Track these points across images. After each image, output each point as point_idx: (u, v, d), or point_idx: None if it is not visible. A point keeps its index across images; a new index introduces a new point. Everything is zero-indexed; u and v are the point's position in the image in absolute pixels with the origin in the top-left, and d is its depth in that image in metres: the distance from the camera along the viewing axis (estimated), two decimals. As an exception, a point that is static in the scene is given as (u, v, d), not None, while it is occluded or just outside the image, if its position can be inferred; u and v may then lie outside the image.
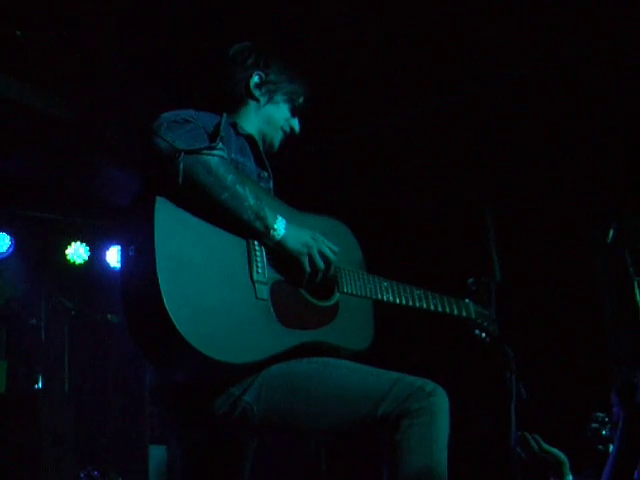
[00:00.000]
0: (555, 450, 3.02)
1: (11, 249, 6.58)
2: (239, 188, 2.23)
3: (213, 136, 2.27)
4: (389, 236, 5.70)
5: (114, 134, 5.85)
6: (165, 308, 2.02)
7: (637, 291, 3.69)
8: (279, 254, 2.33)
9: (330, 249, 2.42)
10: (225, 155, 2.26)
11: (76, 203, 6.88)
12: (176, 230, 2.15)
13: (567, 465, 2.95)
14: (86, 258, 6.98)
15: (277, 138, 2.71)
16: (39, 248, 6.95)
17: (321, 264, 2.38)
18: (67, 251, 6.93)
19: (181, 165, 2.15)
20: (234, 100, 2.64)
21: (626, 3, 4.46)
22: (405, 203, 5.80)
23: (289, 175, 2.87)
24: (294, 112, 2.71)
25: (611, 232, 3.63)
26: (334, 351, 2.45)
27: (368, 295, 2.57)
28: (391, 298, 2.62)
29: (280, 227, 2.31)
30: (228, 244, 2.25)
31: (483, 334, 2.96)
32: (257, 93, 2.63)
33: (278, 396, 2.26)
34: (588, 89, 4.94)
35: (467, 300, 2.92)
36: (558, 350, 5.02)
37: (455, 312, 2.83)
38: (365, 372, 2.35)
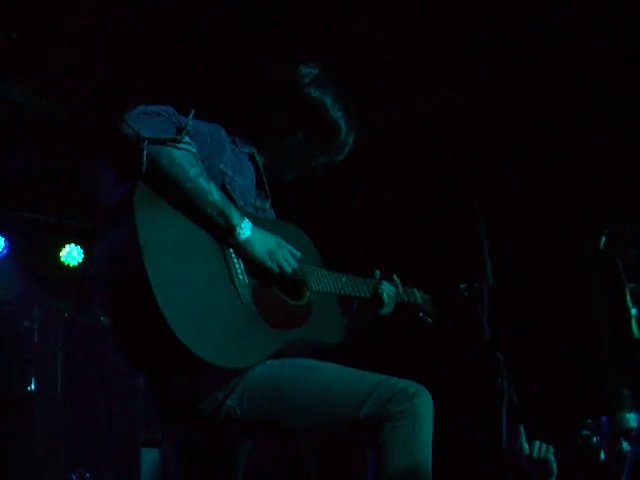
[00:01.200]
0: (551, 457, 3.04)
1: (5, 251, 6.57)
2: (203, 182, 2.25)
3: (179, 130, 2.27)
4: (381, 241, 5.71)
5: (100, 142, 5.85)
6: (165, 318, 2.02)
7: (628, 297, 3.70)
8: (243, 255, 2.33)
9: (292, 253, 2.45)
10: (192, 150, 2.27)
11: (70, 205, 6.87)
12: (159, 237, 2.15)
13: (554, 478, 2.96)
14: (80, 260, 6.97)
15: (289, 174, 2.72)
16: (33, 250, 6.94)
17: (287, 267, 2.41)
18: (61, 253, 6.93)
19: (144, 152, 2.17)
20: (253, 121, 2.67)
21: (627, 3, 4.47)
22: (397, 207, 5.80)
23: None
24: (318, 155, 2.68)
25: (603, 238, 3.64)
26: (317, 345, 2.51)
27: (333, 291, 2.66)
28: (351, 291, 2.74)
29: (246, 228, 2.32)
30: (206, 249, 2.27)
31: (426, 317, 3.10)
32: (278, 121, 2.62)
33: (260, 399, 2.27)
34: (579, 95, 4.96)
35: (415, 289, 3.09)
36: (550, 355, 5.03)
37: (405, 299, 2.98)
38: (348, 374, 2.35)
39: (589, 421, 3.93)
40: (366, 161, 5.73)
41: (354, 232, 5.91)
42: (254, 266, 2.35)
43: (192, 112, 2.36)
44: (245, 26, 4.83)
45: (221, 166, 2.43)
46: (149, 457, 6.64)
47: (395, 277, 2.95)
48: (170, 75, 5.05)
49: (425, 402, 2.32)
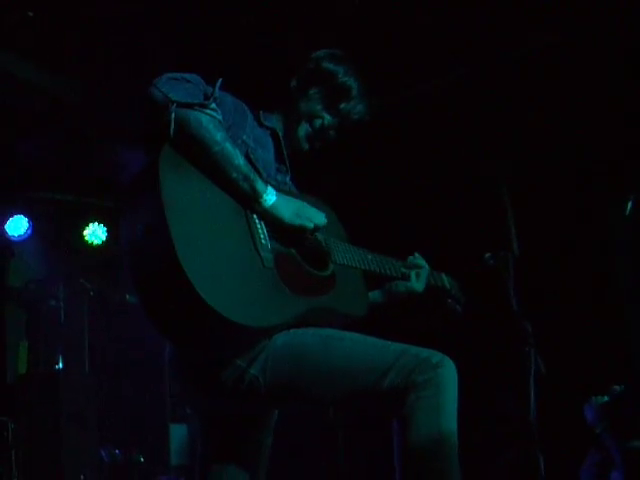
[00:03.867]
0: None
1: (29, 231, 6.62)
2: (229, 146, 2.28)
3: (207, 97, 2.31)
4: (405, 212, 5.69)
5: (130, 115, 5.85)
6: (192, 285, 2.04)
7: (655, 263, 3.67)
8: (270, 221, 2.36)
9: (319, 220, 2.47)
10: (218, 117, 2.31)
11: (92, 184, 6.90)
12: (184, 202, 2.18)
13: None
14: (104, 239, 7.02)
15: (299, 133, 2.70)
16: (57, 230, 6.99)
17: (316, 221, 2.43)
18: (85, 232, 6.97)
19: (172, 115, 2.22)
20: (277, 99, 2.70)
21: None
22: (421, 178, 5.78)
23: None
24: (330, 114, 2.70)
25: (629, 204, 3.61)
26: (341, 317, 2.51)
27: (358, 266, 2.67)
28: (377, 269, 2.75)
29: (271, 194, 2.35)
30: (230, 213, 2.30)
31: (454, 303, 3.10)
32: (294, 91, 2.68)
33: (283, 368, 2.28)
34: (603, 64, 4.90)
35: (443, 274, 3.07)
36: (577, 324, 5.01)
37: (432, 282, 2.95)
38: (370, 344, 2.34)
39: (616, 388, 3.93)
40: (388, 133, 5.72)
41: (378, 205, 5.89)
42: (282, 230, 2.37)
43: (219, 81, 2.39)
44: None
45: (244, 137, 2.46)
46: (177, 433, 6.71)
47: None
48: (189, 52, 5.05)
49: (449, 372, 2.30)
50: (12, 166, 6.35)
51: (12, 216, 6.59)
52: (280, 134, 2.65)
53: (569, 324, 4.99)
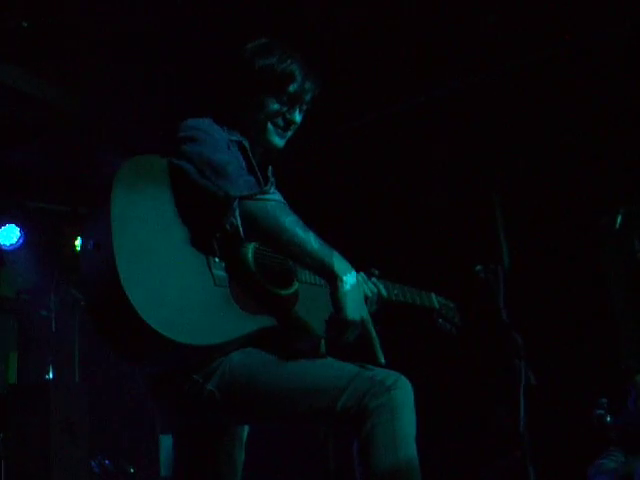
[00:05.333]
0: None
1: (21, 241, 6.61)
2: (299, 231, 2.25)
3: (263, 180, 2.33)
4: (396, 225, 5.70)
5: (124, 125, 5.86)
6: (125, 294, 2.03)
7: (645, 277, 3.68)
8: (334, 304, 2.29)
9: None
10: (280, 199, 2.29)
11: (85, 194, 6.90)
12: (133, 220, 2.17)
13: None
14: (95, 249, 6.99)
15: (270, 137, 2.59)
16: (48, 239, 6.98)
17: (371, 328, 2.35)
18: (76, 242, 6.96)
19: (237, 212, 2.22)
20: (227, 107, 2.62)
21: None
22: (412, 191, 5.80)
23: (292, 169, 2.86)
24: (286, 105, 2.58)
25: (619, 218, 3.62)
26: (300, 336, 2.46)
27: (323, 284, 2.51)
28: None
29: (349, 280, 2.29)
30: (183, 233, 2.26)
31: (447, 324, 3.03)
32: (241, 100, 2.58)
33: (238, 386, 2.25)
34: (595, 76, 4.94)
35: (431, 293, 2.99)
36: (567, 337, 5.02)
37: (418, 302, 2.89)
38: (326, 365, 2.32)
39: (604, 400, 3.93)
40: (380, 146, 5.74)
41: (369, 216, 5.90)
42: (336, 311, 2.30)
43: (270, 167, 2.45)
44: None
45: None
46: (167, 444, 6.68)
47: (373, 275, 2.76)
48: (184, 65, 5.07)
49: (403, 393, 2.27)
50: (5, 175, 6.34)
51: (4, 225, 6.58)
52: (247, 145, 2.55)
53: (559, 336, 5.01)
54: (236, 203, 2.21)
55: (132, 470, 6.22)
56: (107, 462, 6.06)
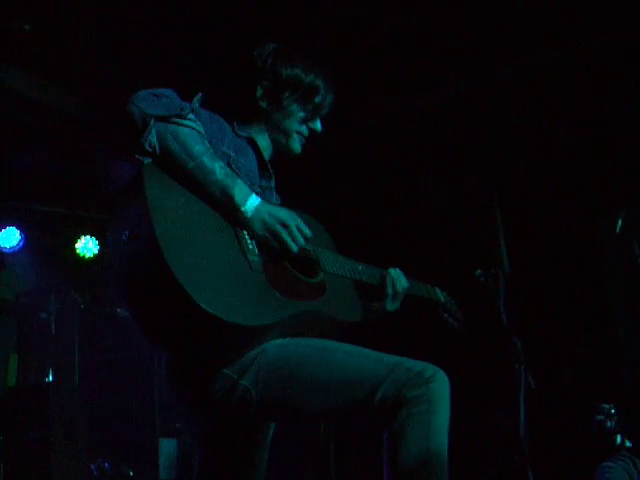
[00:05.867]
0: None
1: (21, 243, 6.61)
2: (206, 160, 2.28)
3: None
4: (396, 227, 5.70)
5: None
6: (176, 280, 2.03)
7: (645, 281, 3.68)
8: (252, 230, 2.35)
9: (302, 231, 2.44)
10: (197, 127, 2.32)
11: (85, 197, 6.90)
12: (169, 207, 2.19)
13: None
14: (96, 252, 7.01)
15: (292, 143, 2.71)
16: (49, 242, 6.98)
17: (293, 247, 2.40)
18: (77, 245, 6.97)
19: (153, 130, 2.23)
20: (244, 108, 2.68)
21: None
22: (412, 194, 5.80)
23: (292, 168, 2.88)
24: (310, 114, 2.70)
25: (619, 221, 3.63)
26: (333, 323, 2.50)
27: (348, 275, 2.66)
28: (368, 280, 2.74)
29: (250, 208, 2.33)
30: (216, 220, 2.30)
31: (451, 319, 3.10)
32: (264, 104, 2.65)
33: (275, 380, 2.26)
34: (593, 78, 4.94)
35: (436, 287, 3.07)
36: (566, 341, 5.02)
37: (425, 295, 2.97)
38: (364, 356, 2.32)
39: (604, 406, 3.93)
40: (382, 147, 5.74)
41: (369, 219, 5.90)
42: (267, 239, 2.37)
43: (199, 95, 2.42)
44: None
45: (224, 148, 2.47)
46: (167, 447, 6.67)
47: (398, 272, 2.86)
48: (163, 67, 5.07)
49: (441, 387, 2.27)
50: (5, 177, 6.34)
51: (4, 227, 6.58)
52: (258, 143, 2.64)
53: (559, 340, 5.00)
54: (152, 122, 2.23)
55: (131, 473, 6.22)
56: (106, 465, 6.06)
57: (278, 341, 2.31)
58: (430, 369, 2.28)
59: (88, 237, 6.99)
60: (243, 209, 2.32)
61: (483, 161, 5.25)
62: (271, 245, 2.38)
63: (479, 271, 3.14)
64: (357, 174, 5.84)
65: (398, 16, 4.91)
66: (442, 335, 3.22)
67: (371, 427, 2.43)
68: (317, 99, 2.68)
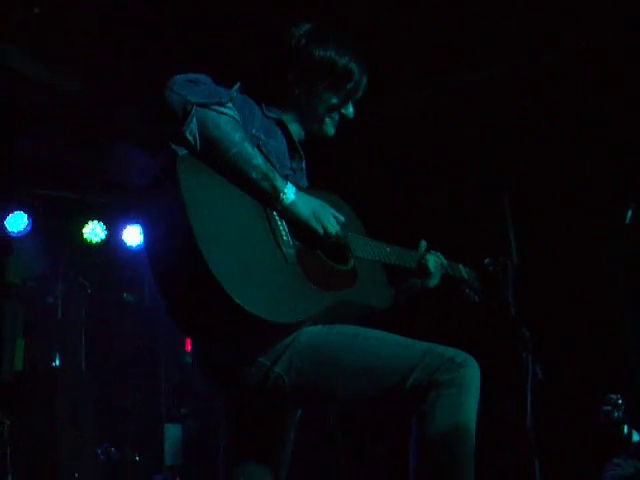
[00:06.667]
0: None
1: (28, 228, 6.61)
2: (247, 146, 2.30)
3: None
4: (406, 219, 5.69)
5: (131, 113, 5.85)
6: (214, 276, 2.04)
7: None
8: (289, 218, 2.37)
9: (335, 217, 2.47)
10: (235, 116, 2.32)
11: (93, 182, 6.91)
12: (203, 200, 2.19)
13: None
14: (103, 237, 7.01)
15: (326, 128, 2.70)
16: (56, 227, 6.98)
17: (332, 228, 2.43)
18: (84, 230, 6.97)
19: (194, 118, 2.22)
20: (274, 89, 2.66)
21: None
22: (422, 187, 5.79)
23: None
24: (343, 100, 2.67)
25: (629, 213, 3.62)
26: (365, 310, 2.53)
27: (377, 259, 2.68)
28: (396, 262, 2.76)
29: (290, 192, 2.36)
30: (249, 211, 2.31)
31: (472, 293, 3.11)
32: (295, 87, 2.62)
33: (308, 367, 2.27)
34: (603, 72, 4.92)
35: (460, 264, 3.10)
36: (574, 331, 5.02)
37: (450, 273, 2.99)
38: (395, 342, 2.34)
39: (612, 396, 3.93)
40: (391, 142, 5.73)
41: (379, 211, 5.90)
42: (299, 228, 2.38)
43: (237, 84, 2.43)
44: None
45: (254, 131, 2.47)
46: (172, 432, 6.70)
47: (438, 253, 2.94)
48: (187, 48, 5.05)
49: (472, 372, 2.31)
50: (12, 162, 6.34)
51: (12, 212, 6.58)
52: (287, 124, 2.63)
53: (567, 331, 5.00)
54: (194, 110, 2.23)
55: (137, 458, 6.25)
56: (112, 450, 6.08)
57: (310, 328, 2.32)
58: (462, 355, 2.31)
59: (95, 222, 6.99)
60: (284, 194, 2.34)
61: (493, 154, 5.24)
62: (305, 233, 2.40)
63: (487, 260, 3.14)
64: (370, 167, 5.83)
65: (398, 16, 4.90)
66: (449, 325, 3.22)
67: (399, 412, 2.43)
68: (350, 85, 2.65)
